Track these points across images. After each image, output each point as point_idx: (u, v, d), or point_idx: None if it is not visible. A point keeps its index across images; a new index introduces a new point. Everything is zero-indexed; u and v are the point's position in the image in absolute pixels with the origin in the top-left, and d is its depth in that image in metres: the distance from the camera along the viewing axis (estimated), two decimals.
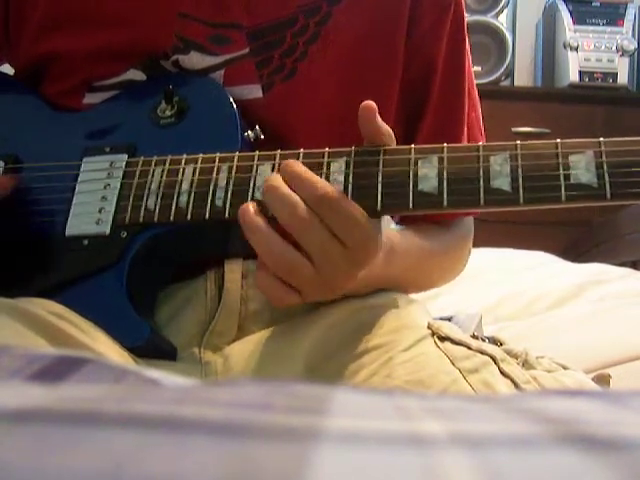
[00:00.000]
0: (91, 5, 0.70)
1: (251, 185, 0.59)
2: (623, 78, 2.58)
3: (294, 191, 0.53)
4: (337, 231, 0.53)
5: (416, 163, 0.56)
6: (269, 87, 0.68)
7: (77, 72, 0.70)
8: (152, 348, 0.60)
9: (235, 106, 0.66)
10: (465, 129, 0.76)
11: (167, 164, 0.62)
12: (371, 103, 0.55)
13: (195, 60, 0.68)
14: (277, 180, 0.54)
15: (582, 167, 0.53)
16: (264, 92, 0.68)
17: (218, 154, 0.61)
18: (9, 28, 0.74)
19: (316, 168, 0.57)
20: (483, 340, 0.65)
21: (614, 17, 2.62)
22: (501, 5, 2.65)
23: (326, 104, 0.69)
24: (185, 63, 0.68)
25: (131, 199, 0.62)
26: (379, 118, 0.56)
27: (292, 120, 0.68)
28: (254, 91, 0.68)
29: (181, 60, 0.68)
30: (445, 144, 0.57)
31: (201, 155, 0.61)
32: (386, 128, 0.57)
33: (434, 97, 0.74)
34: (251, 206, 0.55)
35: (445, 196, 0.55)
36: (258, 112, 0.67)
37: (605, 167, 0.52)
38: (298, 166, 0.55)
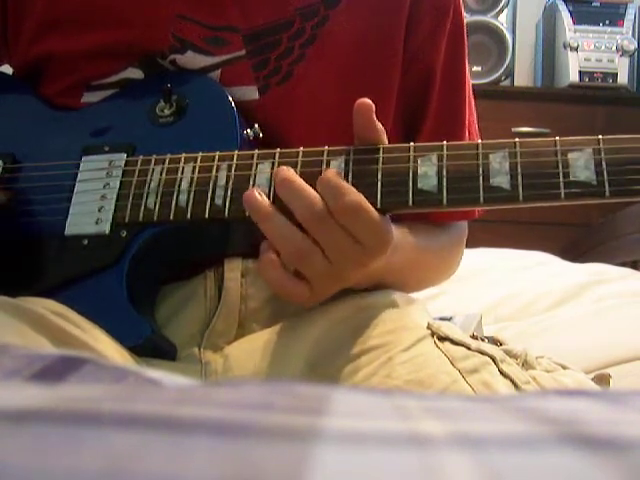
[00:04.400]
0: (88, 4, 0.70)
1: (251, 183, 0.59)
2: (623, 78, 2.57)
3: (319, 193, 0.54)
4: (356, 232, 0.54)
5: (416, 161, 0.56)
6: (265, 89, 0.68)
7: (75, 71, 0.70)
8: (152, 347, 0.60)
9: (234, 105, 0.66)
10: (466, 133, 0.76)
11: (166, 163, 0.62)
12: (368, 101, 0.56)
13: (192, 60, 0.68)
14: (290, 172, 0.55)
15: (581, 165, 0.53)
16: (260, 94, 0.68)
17: (217, 152, 0.61)
18: (7, 28, 0.74)
19: (315, 166, 0.57)
20: (483, 340, 0.65)
21: (614, 17, 2.61)
22: (501, 5, 2.65)
23: (323, 107, 0.69)
24: (182, 63, 0.68)
25: (130, 198, 0.62)
26: (374, 116, 0.56)
27: (289, 122, 0.68)
28: (250, 92, 0.68)
29: (178, 60, 0.68)
30: (445, 142, 0.57)
31: (200, 154, 0.61)
32: (381, 127, 0.57)
33: (434, 101, 0.74)
34: (256, 192, 0.55)
35: (445, 194, 0.55)
36: (255, 113, 0.67)
37: (604, 165, 0.52)
38: (332, 174, 0.55)
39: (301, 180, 0.55)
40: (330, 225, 0.54)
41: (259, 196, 0.56)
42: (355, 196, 0.54)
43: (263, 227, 0.55)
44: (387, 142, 0.58)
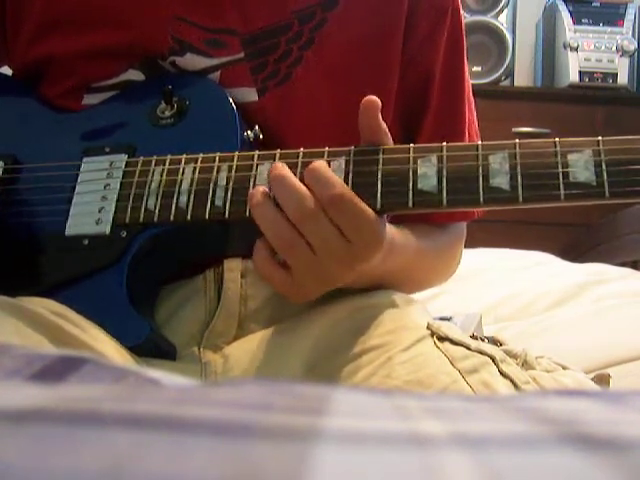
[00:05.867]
0: (85, 5, 0.70)
1: (251, 184, 0.59)
2: (623, 78, 2.57)
3: (308, 186, 0.54)
4: (344, 229, 0.53)
5: (415, 162, 0.56)
6: (264, 91, 0.68)
7: (75, 73, 0.70)
8: (152, 347, 0.60)
9: (234, 106, 0.66)
10: (466, 135, 0.75)
11: (167, 164, 0.62)
12: (375, 98, 0.55)
13: (191, 61, 0.68)
14: (284, 169, 0.55)
15: (581, 165, 0.53)
16: (259, 96, 0.68)
17: (218, 153, 0.61)
18: (6, 29, 0.74)
19: None
20: (483, 340, 0.65)
21: (614, 17, 2.61)
22: (501, 5, 2.65)
23: (322, 108, 0.69)
24: (182, 64, 0.69)
25: (131, 199, 0.62)
26: (379, 113, 0.56)
27: (288, 124, 0.68)
28: (249, 94, 0.68)
29: (178, 61, 0.68)
30: (444, 143, 0.57)
31: (201, 155, 0.61)
32: (385, 127, 0.57)
33: (433, 102, 0.74)
34: (261, 188, 0.56)
35: (445, 195, 0.55)
36: (254, 115, 0.67)
37: (604, 165, 0.52)
38: (321, 164, 0.55)
39: (293, 176, 0.55)
40: (319, 222, 0.53)
41: (260, 188, 0.56)
42: (343, 189, 0.54)
43: (254, 212, 0.55)
44: (391, 143, 0.58)
